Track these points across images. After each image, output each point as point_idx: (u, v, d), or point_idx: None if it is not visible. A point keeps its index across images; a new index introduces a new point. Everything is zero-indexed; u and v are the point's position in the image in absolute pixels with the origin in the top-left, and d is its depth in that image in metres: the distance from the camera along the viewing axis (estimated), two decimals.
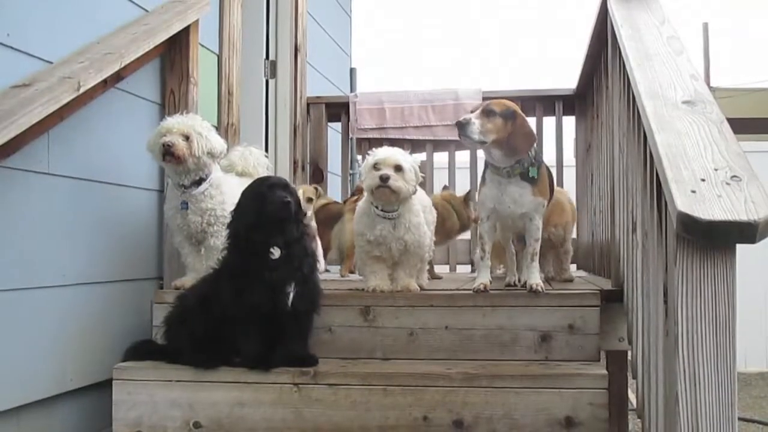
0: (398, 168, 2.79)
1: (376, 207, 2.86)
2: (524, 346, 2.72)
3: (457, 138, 4.54)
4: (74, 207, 2.77)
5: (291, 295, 2.56)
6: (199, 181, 2.96)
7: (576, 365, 2.60)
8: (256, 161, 3.33)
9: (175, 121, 2.91)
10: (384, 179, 2.75)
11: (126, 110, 3.09)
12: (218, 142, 2.97)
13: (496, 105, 2.73)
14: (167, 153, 2.84)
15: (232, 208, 2.68)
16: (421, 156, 4.68)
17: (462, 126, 2.67)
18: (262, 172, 3.31)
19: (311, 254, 2.70)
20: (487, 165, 2.85)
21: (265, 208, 2.54)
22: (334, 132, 5.08)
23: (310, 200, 3.19)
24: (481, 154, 4.74)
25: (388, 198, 2.79)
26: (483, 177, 2.88)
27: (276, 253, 2.55)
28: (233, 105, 3.81)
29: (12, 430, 2.48)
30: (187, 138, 2.86)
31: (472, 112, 2.73)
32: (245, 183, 2.85)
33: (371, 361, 2.76)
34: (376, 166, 2.80)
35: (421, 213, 2.95)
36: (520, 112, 2.78)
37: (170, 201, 3.03)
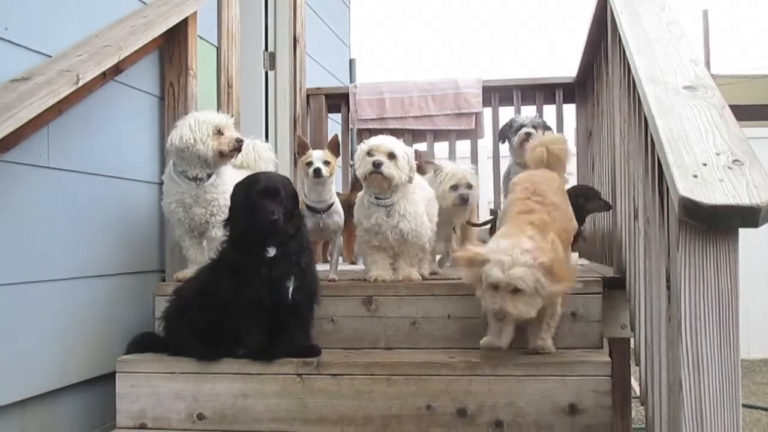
0: (391, 155, 2.80)
1: (371, 195, 2.90)
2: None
3: (457, 127, 4.62)
4: (74, 200, 2.77)
5: (290, 290, 2.55)
6: (210, 174, 2.98)
7: (579, 353, 2.60)
8: (258, 155, 3.31)
9: (226, 118, 2.99)
10: (377, 165, 2.78)
11: (125, 103, 3.08)
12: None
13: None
14: (238, 149, 2.94)
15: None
16: (422, 146, 4.67)
17: None
18: (263, 166, 3.29)
19: (307, 247, 2.66)
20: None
21: (254, 219, 2.50)
22: (334, 123, 5.07)
23: (327, 163, 3.13)
24: (481, 143, 4.76)
25: (380, 184, 2.82)
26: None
27: (272, 251, 2.53)
28: (233, 97, 3.80)
29: (16, 423, 2.49)
30: None
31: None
32: (244, 174, 2.85)
33: (374, 351, 2.76)
34: (369, 153, 2.82)
35: (421, 203, 2.95)
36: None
37: (170, 195, 3.00)
